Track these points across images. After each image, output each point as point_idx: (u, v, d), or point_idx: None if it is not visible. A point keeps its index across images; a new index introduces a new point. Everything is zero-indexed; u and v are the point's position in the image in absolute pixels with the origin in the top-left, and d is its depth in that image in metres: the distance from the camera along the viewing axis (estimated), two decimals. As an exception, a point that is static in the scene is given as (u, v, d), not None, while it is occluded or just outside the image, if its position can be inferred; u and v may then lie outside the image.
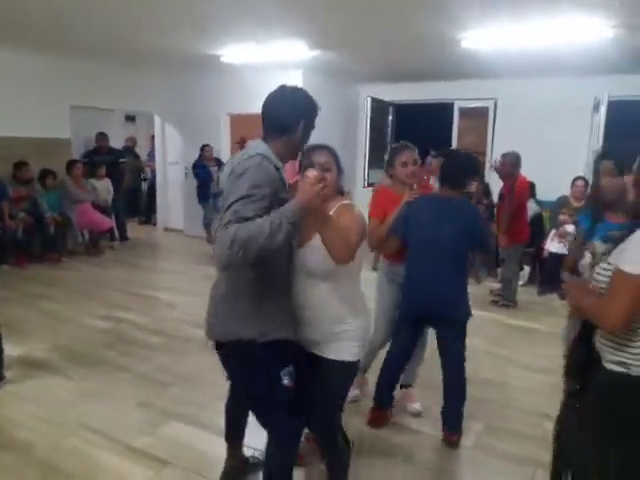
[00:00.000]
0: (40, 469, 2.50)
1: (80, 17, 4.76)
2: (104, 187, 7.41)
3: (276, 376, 1.84)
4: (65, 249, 6.78)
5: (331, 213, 1.88)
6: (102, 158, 7.59)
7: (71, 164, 6.85)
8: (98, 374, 3.51)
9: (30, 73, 6.63)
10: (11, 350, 3.55)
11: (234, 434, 2.39)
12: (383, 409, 2.91)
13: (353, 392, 2.91)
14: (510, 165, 4.95)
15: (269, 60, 6.34)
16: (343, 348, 1.99)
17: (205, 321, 1.95)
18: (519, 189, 4.93)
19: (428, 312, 2.71)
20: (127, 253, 7.35)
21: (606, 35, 4.57)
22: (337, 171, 2.00)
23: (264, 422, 1.99)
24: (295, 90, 1.92)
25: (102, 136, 7.80)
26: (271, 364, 1.84)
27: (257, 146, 1.81)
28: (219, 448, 2.49)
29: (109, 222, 7.18)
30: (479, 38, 4.89)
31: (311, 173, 1.71)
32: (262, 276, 1.79)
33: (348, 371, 2.04)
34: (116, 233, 7.66)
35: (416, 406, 3.04)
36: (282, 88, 1.92)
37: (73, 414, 2.99)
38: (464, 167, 2.82)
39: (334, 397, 2.08)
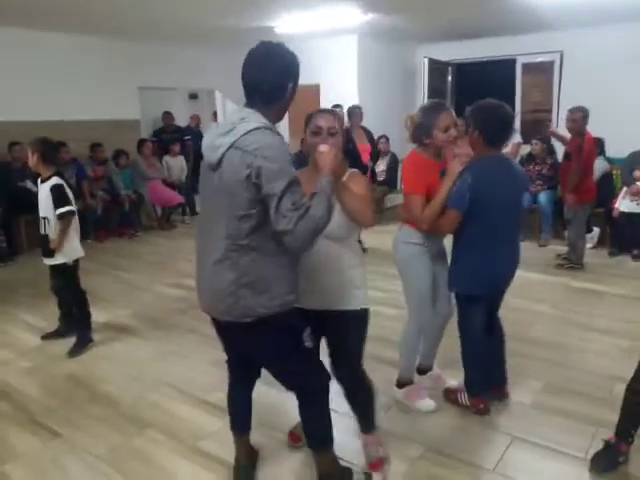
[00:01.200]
0: (126, 419, 2.79)
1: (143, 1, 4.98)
2: (178, 164, 7.77)
3: (300, 340, 1.89)
4: (140, 224, 7.24)
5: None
6: (170, 136, 7.94)
7: (141, 143, 7.24)
8: (173, 337, 3.80)
9: (100, 58, 7.02)
10: (97, 316, 3.90)
11: (243, 423, 2.27)
12: (502, 386, 2.87)
13: (428, 403, 2.80)
14: (581, 121, 4.71)
15: (323, 28, 6.33)
16: (357, 296, 2.11)
17: (214, 301, 1.86)
18: (588, 146, 4.70)
19: (505, 283, 2.65)
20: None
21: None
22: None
23: (296, 385, 2.01)
24: (277, 47, 1.75)
25: (168, 115, 8.14)
26: (294, 330, 1.89)
27: (254, 117, 1.69)
28: (288, 402, 2.52)
29: (179, 198, 7.54)
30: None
31: (323, 147, 1.78)
32: (280, 248, 1.74)
33: (365, 318, 2.17)
34: (186, 208, 8.04)
35: (454, 382, 2.98)
36: (263, 46, 1.74)
37: (153, 372, 3.29)
38: (508, 122, 2.51)
39: (358, 346, 2.18)
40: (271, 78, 1.72)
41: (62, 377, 3.27)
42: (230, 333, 1.96)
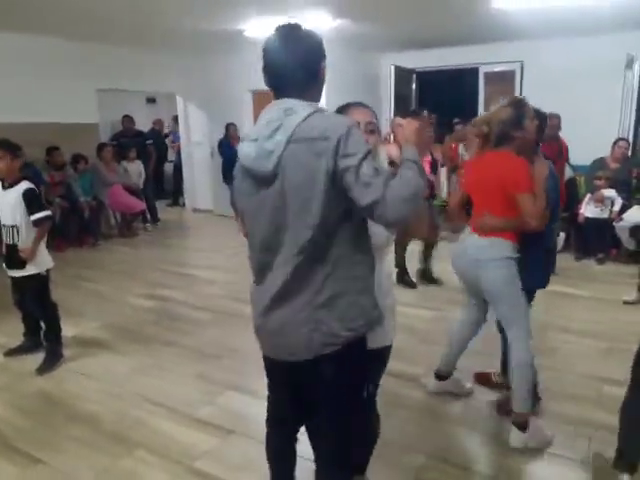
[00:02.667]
0: (110, 439, 2.61)
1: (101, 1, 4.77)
2: (135, 170, 7.50)
3: (365, 383, 1.63)
4: (100, 232, 6.93)
5: None
6: (130, 141, 7.67)
7: (101, 147, 6.95)
8: (150, 350, 3.63)
9: (56, 58, 6.67)
10: (65, 330, 3.66)
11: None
12: None
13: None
14: (558, 126, 4.89)
15: (292, 33, 6.28)
16: (385, 332, 1.73)
17: (281, 338, 1.55)
18: (565, 151, 4.89)
19: None
20: (160, 234, 7.47)
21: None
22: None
23: (340, 446, 1.62)
24: (300, 30, 1.52)
25: (128, 119, 7.87)
26: (365, 367, 1.57)
27: (300, 105, 1.45)
28: None
29: (141, 204, 7.29)
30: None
31: (402, 120, 1.57)
32: (367, 257, 1.50)
33: (385, 356, 1.84)
34: (147, 215, 7.77)
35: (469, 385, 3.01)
36: (286, 32, 1.51)
37: (133, 387, 3.11)
38: None
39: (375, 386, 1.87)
40: (305, 64, 1.48)
41: (34, 396, 3.05)
42: (301, 375, 1.59)
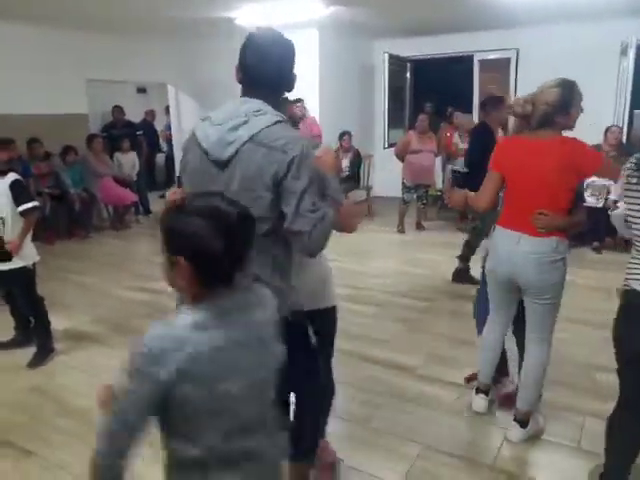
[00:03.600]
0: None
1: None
2: (129, 161, 7.41)
3: (308, 338, 1.87)
4: (91, 225, 6.85)
5: None
6: (121, 132, 7.56)
7: (91, 139, 6.85)
8: (142, 343, 3.58)
9: (44, 48, 6.56)
10: (56, 323, 3.62)
11: None
12: None
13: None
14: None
15: (284, 21, 6.19)
16: (330, 295, 2.11)
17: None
18: None
19: None
20: (152, 226, 7.38)
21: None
22: None
23: (302, 385, 1.91)
24: (281, 36, 1.64)
25: (118, 109, 7.76)
26: (303, 328, 1.83)
27: (270, 110, 1.57)
28: None
29: (133, 196, 7.20)
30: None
31: (320, 152, 1.74)
32: (287, 254, 1.70)
33: (335, 314, 2.16)
34: (140, 207, 7.69)
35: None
36: (267, 34, 1.63)
37: (124, 381, 3.07)
38: None
39: (332, 343, 2.22)
40: (281, 67, 1.62)
41: (25, 390, 3.01)
42: None
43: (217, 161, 1.56)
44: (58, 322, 3.71)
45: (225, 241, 1.09)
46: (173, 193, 1.72)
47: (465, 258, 4.51)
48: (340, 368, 3.09)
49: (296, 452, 1.85)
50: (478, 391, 2.70)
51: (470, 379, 2.92)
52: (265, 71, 1.59)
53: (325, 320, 2.08)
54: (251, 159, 1.51)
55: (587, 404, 2.71)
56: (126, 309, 4.21)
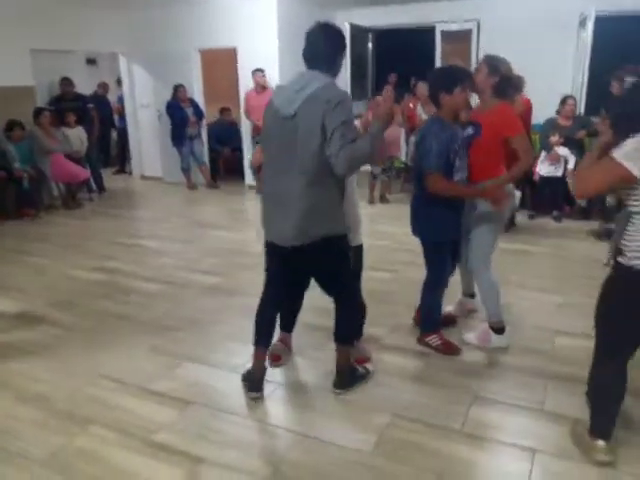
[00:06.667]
0: (61, 418, 2.48)
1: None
2: (77, 136, 7.04)
3: (348, 257, 2.50)
4: (41, 203, 6.51)
5: None
6: (70, 105, 7.17)
7: (38, 113, 6.47)
8: (101, 325, 3.45)
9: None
10: (9, 307, 3.46)
11: (266, 338, 2.63)
12: None
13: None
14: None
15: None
16: (360, 235, 2.75)
17: (286, 228, 2.31)
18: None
19: None
20: (106, 204, 7.13)
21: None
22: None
23: (343, 291, 2.55)
24: (330, 25, 2.34)
25: (67, 81, 7.31)
26: (345, 249, 2.47)
27: (322, 77, 2.22)
28: (234, 383, 2.68)
29: (85, 172, 6.89)
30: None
31: (381, 98, 2.38)
32: (342, 186, 2.35)
33: (362, 251, 2.82)
34: (92, 184, 7.38)
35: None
36: (319, 25, 2.31)
37: (85, 364, 2.96)
38: (433, 82, 2.75)
39: (359, 275, 2.82)
40: (332, 51, 2.30)
41: (-23, 378, 2.85)
42: (293, 256, 2.38)
43: (285, 116, 2.21)
44: (10, 305, 3.55)
45: None
46: (257, 154, 2.61)
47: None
48: (307, 341, 3.09)
49: (339, 338, 2.59)
50: (499, 332, 3.01)
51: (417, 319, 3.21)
52: (320, 52, 2.28)
53: (356, 255, 2.66)
54: (308, 111, 2.16)
55: (548, 368, 2.79)
56: (85, 290, 4.04)
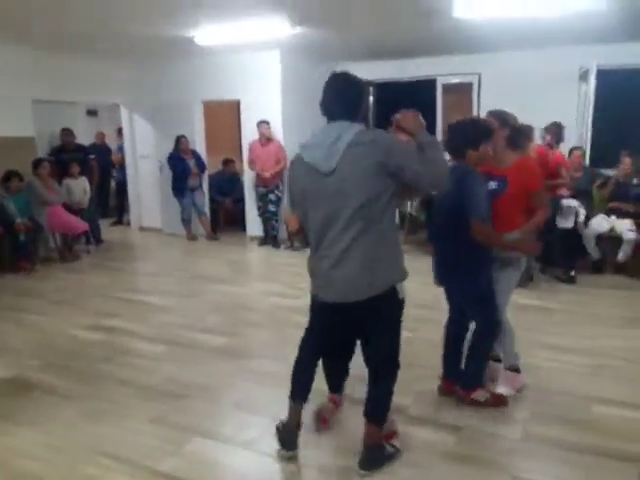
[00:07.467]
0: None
1: (39, 5, 4.34)
2: (80, 187, 6.93)
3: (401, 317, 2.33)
4: (37, 256, 6.31)
5: None
6: (70, 156, 7.09)
7: (37, 163, 6.36)
8: (100, 391, 3.20)
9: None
10: (2, 371, 3.20)
11: (305, 393, 2.51)
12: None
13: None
14: None
15: (246, 40, 6.01)
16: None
17: (345, 287, 2.17)
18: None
19: None
20: (104, 256, 6.93)
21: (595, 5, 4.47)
22: None
23: (386, 359, 2.36)
24: (350, 75, 2.25)
25: (67, 132, 7.27)
26: (402, 305, 2.29)
27: (351, 126, 2.12)
28: (247, 461, 2.47)
29: (84, 224, 6.72)
30: (470, 6, 4.71)
31: (402, 113, 2.29)
32: (395, 228, 2.35)
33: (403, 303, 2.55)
34: (90, 236, 7.21)
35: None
36: (339, 76, 2.24)
37: (82, 438, 2.70)
38: (460, 137, 2.72)
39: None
40: (353, 97, 2.21)
41: (-38, 458, 2.57)
42: (353, 312, 2.23)
43: (325, 172, 2.12)
44: (3, 370, 3.29)
45: None
46: (292, 220, 2.40)
47: None
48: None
49: (370, 415, 2.38)
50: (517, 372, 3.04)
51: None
52: (340, 102, 2.18)
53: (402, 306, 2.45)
54: (354, 158, 2.09)
55: (593, 441, 2.55)
56: (82, 352, 3.79)
